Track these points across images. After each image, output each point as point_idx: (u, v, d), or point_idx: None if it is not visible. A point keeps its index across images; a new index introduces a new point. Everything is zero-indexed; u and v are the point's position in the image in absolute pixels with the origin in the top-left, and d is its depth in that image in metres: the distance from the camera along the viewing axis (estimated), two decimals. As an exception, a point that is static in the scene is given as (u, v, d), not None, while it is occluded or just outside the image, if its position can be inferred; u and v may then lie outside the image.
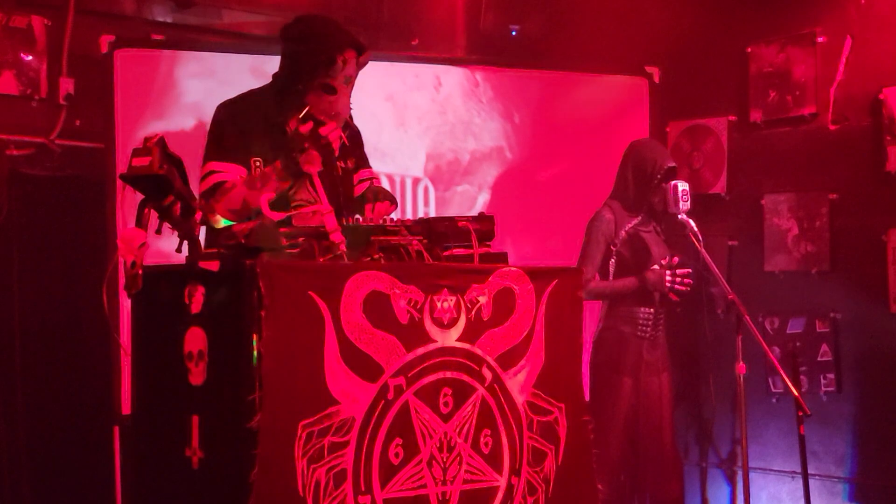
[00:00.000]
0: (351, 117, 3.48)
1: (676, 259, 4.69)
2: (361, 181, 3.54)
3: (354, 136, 3.55)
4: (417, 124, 5.53)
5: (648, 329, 4.74)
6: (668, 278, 4.64)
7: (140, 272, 2.59)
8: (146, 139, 2.63)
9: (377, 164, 5.24)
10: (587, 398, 4.72)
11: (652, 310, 4.73)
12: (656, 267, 4.66)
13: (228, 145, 3.28)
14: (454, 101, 5.60)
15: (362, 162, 3.59)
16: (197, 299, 2.68)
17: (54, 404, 4.92)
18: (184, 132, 4.89)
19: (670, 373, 4.88)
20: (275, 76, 3.43)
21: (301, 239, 2.81)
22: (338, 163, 3.42)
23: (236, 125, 3.31)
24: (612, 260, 4.80)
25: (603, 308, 4.85)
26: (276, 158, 3.24)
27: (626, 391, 4.73)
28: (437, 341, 2.84)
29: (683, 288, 4.67)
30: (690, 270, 4.68)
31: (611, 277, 4.81)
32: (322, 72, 3.28)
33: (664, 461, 4.79)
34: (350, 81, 3.36)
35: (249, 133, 3.29)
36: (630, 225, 4.77)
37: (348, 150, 3.48)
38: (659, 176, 4.70)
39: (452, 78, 5.62)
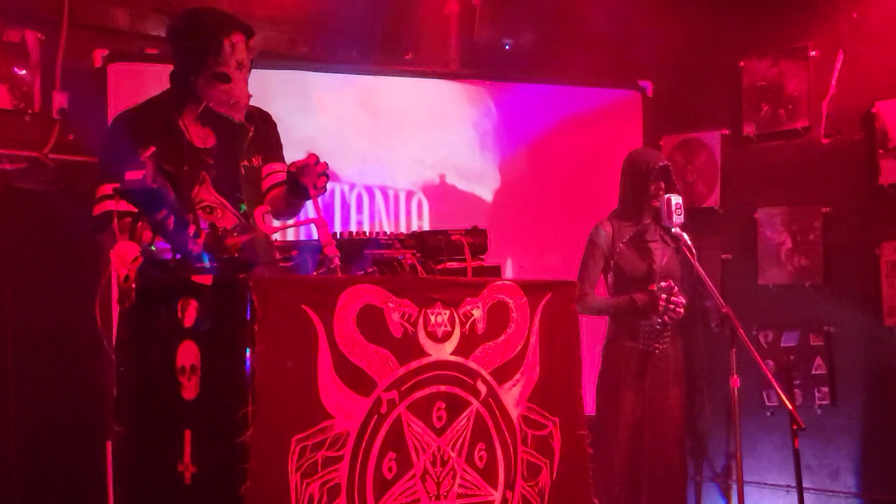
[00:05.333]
0: (268, 116, 3.37)
1: (673, 284, 4.62)
2: (269, 174, 3.41)
3: (265, 127, 3.42)
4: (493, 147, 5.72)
5: (653, 342, 4.71)
6: (661, 303, 4.59)
7: (133, 286, 2.58)
8: (140, 153, 2.63)
9: (475, 187, 5.58)
10: (594, 412, 4.77)
11: (654, 322, 4.69)
12: (655, 287, 4.62)
13: (119, 164, 2.99)
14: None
15: (272, 155, 3.45)
16: (189, 313, 2.67)
17: (46, 419, 4.89)
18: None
19: (683, 389, 4.82)
20: (170, 75, 3.32)
21: (295, 252, 2.81)
22: (242, 162, 3.31)
23: (129, 136, 3.15)
24: (610, 274, 4.80)
25: (608, 321, 4.84)
26: (174, 159, 3.11)
27: (627, 405, 4.71)
28: (430, 355, 2.83)
29: (675, 315, 4.63)
30: (684, 301, 4.64)
31: (610, 291, 4.82)
32: (212, 60, 3.19)
33: (666, 477, 4.76)
34: (243, 66, 3.25)
35: (143, 138, 3.07)
36: (629, 236, 4.75)
37: (256, 145, 3.36)
38: (652, 175, 4.68)
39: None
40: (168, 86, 3.34)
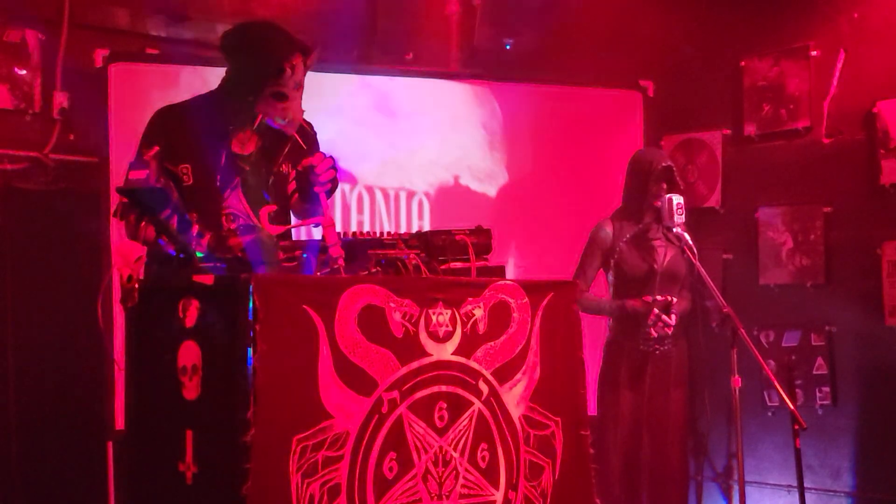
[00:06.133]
0: (305, 121, 3.39)
1: (671, 300, 4.60)
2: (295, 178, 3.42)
3: (310, 139, 3.43)
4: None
5: (654, 343, 4.69)
6: (652, 318, 4.56)
7: (136, 286, 2.58)
8: (143, 152, 2.62)
9: (487, 188, 5.65)
10: (595, 412, 4.76)
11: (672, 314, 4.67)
12: (651, 299, 4.59)
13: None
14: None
15: (301, 159, 3.38)
16: (191, 313, 2.67)
17: (48, 419, 4.89)
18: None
19: (684, 390, 4.81)
20: (223, 81, 3.34)
21: (298, 252, 2.80)
22: (273, 168, 3.34)
23: (167, 131, 3.19)
24: (611, 272, 4.78)
25: (609, 321, 4.83)
26: (213, 163, 3.17)
27: (626, 405, 4.70)
28: (432, 355, 2.83)
29: (661, 333, 4.60)
30: (674, 323, 4.61)
31: (610, 290, 4.80)
32: (272, 81, 3.20)
33: (666, 480, 4.75)
34: (300, 86, 3.28)
35: (183, 139, 3.16)
36: (630, 235, 4.73)
37: (299, 155, 3.36)
38: (654, 176, 4.67)
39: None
40: (214, 85, 3.36)
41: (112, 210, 3.15)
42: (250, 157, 3.30)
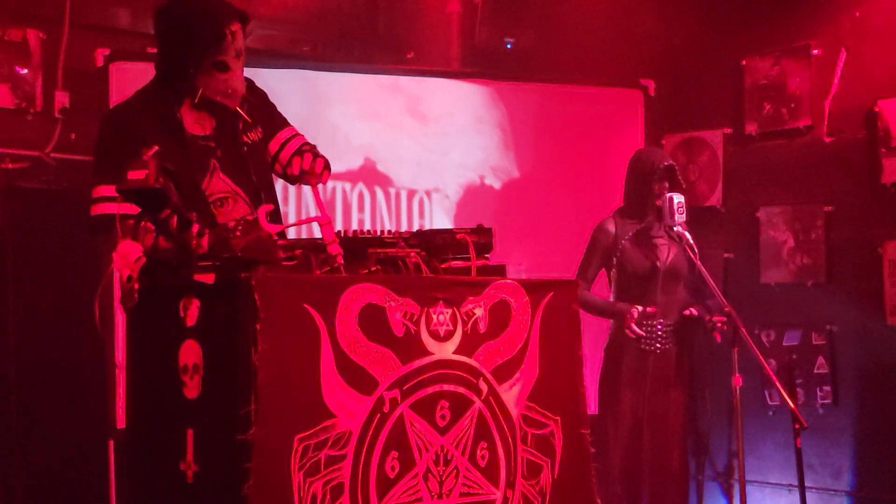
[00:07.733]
0: (253, 84, 3.28)
1: (657, 320, 4.67)
2: (287, 141, 3.31)
3: (262, 103, 3.33)
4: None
5: (654, 342, 4.70)
6: (629, 323, 4.61)
7: (136, 286, 2.58)
8: (143, 152, 2.62)
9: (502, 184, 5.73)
10: (596, 411, 4.77)
11: (656, 323, 4.69)
12: (637, 311, 4.63)
13: (116, 163, 2.83)
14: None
15: (275, 125, 3.32)
16: (192, 312, 2.67)
17: (49, 418, 4.90)
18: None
19: (685, 390, 4.83)
20: (158, 63, 3.21)
21: (298, 251, 2.80)
22: (242, 137, 3.22)
23: (121, 133, 3.05)
24: (613, 270, 4.79)
25: (611, 320, 4.84)
26: (177, 152, 3.05)
27: (626, 405, 4.71)
28: (433, 354, 2.83)
29: (643, 334, 4.66)
30: (663, 325, 4.68)
31: (612, 287, 4.81)
32: (213, 50, 3.07)
33: (666, 479, 4.75)
34: (241, 54, 3.15)
35: (140, 135, 2.98)
36: (633, 233, 4.74)
37: (254, 123, 3.26)
38: (656, 175, 4.67)
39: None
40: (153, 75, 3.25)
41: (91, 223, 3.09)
42: (213, 136, 3.19)
